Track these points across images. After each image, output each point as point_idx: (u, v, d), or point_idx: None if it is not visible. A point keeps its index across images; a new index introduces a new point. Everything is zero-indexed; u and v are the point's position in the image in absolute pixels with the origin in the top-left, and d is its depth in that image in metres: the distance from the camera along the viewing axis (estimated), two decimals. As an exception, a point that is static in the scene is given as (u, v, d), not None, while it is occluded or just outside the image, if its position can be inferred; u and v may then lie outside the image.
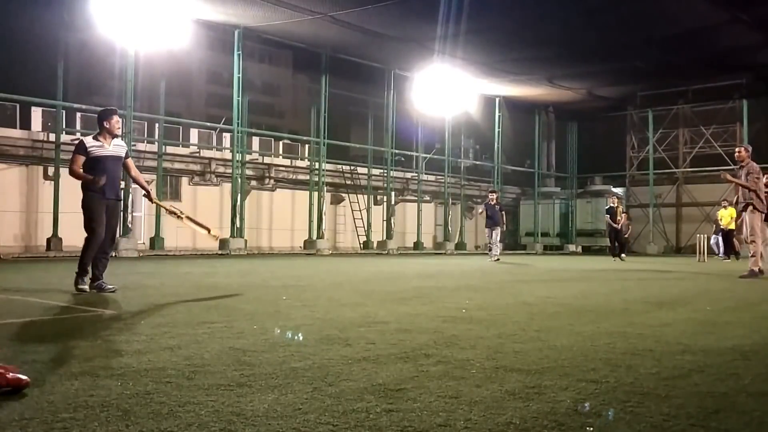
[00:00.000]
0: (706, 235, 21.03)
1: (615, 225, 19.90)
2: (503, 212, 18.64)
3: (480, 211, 19.59)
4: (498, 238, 18.43)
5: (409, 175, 29.29)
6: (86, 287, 6.70)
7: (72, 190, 19.39)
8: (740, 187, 10.81)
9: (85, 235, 6.80)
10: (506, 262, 17.56)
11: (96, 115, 7.25)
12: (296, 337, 4.04)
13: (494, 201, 18.40)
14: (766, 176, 10.99)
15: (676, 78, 27.11)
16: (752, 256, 10.70)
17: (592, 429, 2.22)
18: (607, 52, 22.35)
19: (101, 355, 3.35)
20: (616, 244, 20.18)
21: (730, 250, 20.79)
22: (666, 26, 19.78)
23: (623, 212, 21.05)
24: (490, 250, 18.30)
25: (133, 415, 2.29)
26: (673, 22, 19.47)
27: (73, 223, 19.15)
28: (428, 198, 29.68)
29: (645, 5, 18.24)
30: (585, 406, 2.48)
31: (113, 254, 16.73)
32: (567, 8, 18.13)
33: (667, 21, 19.36)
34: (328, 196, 25.51)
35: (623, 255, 19.75)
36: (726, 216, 20.78)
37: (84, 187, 6.79)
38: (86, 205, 6.79)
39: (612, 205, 20.70)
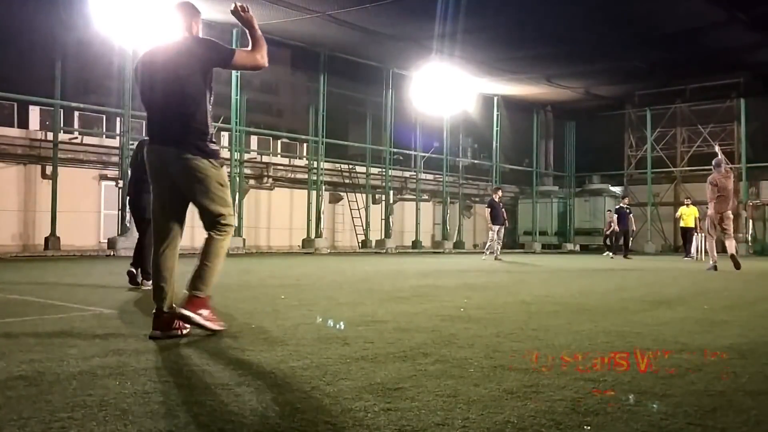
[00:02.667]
0: (703, 235, 20.97)
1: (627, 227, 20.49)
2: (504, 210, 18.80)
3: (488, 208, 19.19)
4: (502, 237, 18.51)
5: (407, 174, 29.29)
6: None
7: (70, 189, 19.40)
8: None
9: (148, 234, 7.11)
10: (504, 261, 17.58)
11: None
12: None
13: (498, 198, 18.54)
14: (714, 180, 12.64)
15: (673, 77, 27.15)
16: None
17: (589, 428, 2.23)
18: (605, 51, 22.38)
19: (99, 355, 3.35)
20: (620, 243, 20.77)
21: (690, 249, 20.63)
22: (664, 25, 19.79)
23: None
24: (488, 248, 18.29)
25: (132, 414, 2.29)
26: (670, 21, 19.48)
27: (70, 223, 19.21)
28: (426, 197, 29.68)
29: (643, 4, 18.25)
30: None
31: (111, 253, 16.80)
32: (565, 7, 18.15)
33: (665, 20, 19.37)
34: (326, 195, 25.51)
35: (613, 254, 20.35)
36: (688, 214, 20.68)
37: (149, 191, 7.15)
38: None
39: (623, 205, 21.10)
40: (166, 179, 4.01)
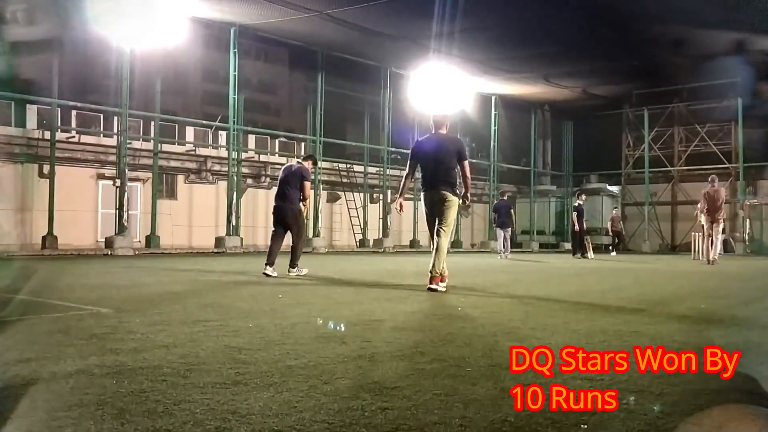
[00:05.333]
0: (700, 234, 20.88)
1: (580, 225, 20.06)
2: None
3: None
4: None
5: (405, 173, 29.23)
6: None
7: (67, 188, 19.34)
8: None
9: (301, 234, 9.77)
10: (503, 260, 17.59)
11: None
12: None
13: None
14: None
15: (671, 76, 27.16)
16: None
17: (586, 426, 2.23)
18: (602, 51, 22.38)
19: (96, 354, 3.35)
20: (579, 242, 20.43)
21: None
22: (661, 25, 19.81)
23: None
24: (504, 248, 18.39)
25: (129, 413, 2.29)
26: (668, 21, 19.50)
27: (67, 221, 19.18)
28: (424, 196, 29.59)
29: (641, 4, 18.26)
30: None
31: (108, 252, 16.78)
32: (563, 7, 18.15)
33: (663, 20, 19.38)
34: (324, 194, 25.50)
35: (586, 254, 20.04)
36: None
37: (300, 202, 9.40)
38: (301, 214, 9.58)
39: (580, 203, 20.44)
40: (432, 204, 7.35)
